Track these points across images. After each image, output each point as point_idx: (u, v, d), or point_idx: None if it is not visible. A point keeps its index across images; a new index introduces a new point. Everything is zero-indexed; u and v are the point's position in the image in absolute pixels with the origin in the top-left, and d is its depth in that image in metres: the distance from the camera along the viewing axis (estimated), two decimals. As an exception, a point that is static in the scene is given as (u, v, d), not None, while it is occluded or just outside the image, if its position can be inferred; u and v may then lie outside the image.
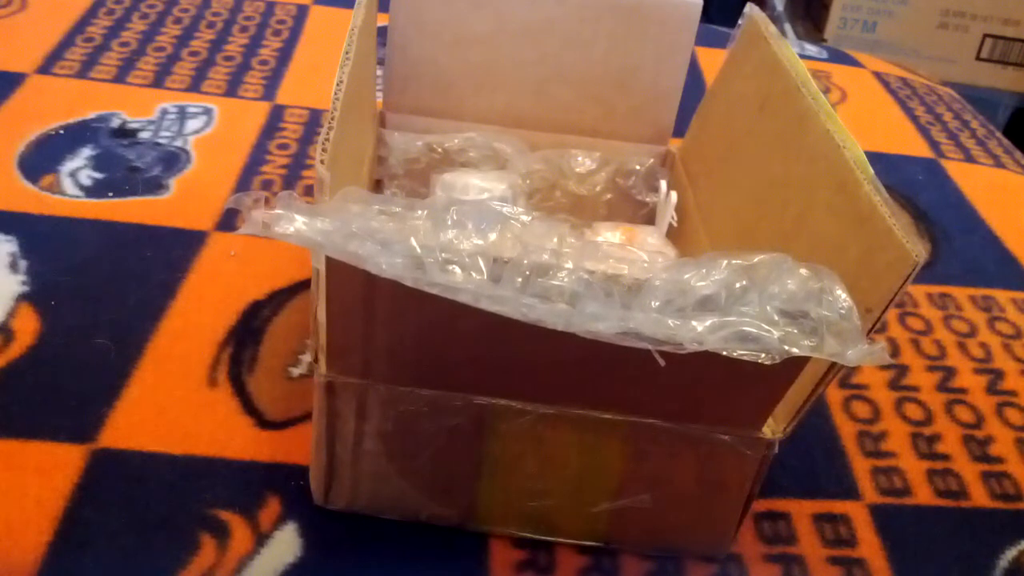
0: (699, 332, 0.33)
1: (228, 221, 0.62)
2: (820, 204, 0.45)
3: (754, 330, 0.33)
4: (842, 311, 0.34)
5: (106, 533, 0.43)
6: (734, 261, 0.35)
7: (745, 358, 0.33)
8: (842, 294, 0.34)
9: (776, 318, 0.34)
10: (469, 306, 0.33)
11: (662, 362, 0.33)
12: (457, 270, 0.33)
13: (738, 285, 0.34)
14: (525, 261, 0.33)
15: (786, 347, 0.33)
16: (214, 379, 0.51)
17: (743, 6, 0.59)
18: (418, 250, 0.33)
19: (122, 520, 0.43)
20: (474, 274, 0.33)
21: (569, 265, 0.34)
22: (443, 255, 0.33)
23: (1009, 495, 0.52)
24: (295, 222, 0.33)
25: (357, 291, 0.37)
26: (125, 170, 0.65)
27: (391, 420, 0.41)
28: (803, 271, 0.35)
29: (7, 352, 0.50)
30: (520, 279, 0.33)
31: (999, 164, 0.85)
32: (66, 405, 0.48)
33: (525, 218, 0.36)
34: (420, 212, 0.34)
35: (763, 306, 0.34)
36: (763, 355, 0.33)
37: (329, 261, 0.35)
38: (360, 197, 0.35)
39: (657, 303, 0.33)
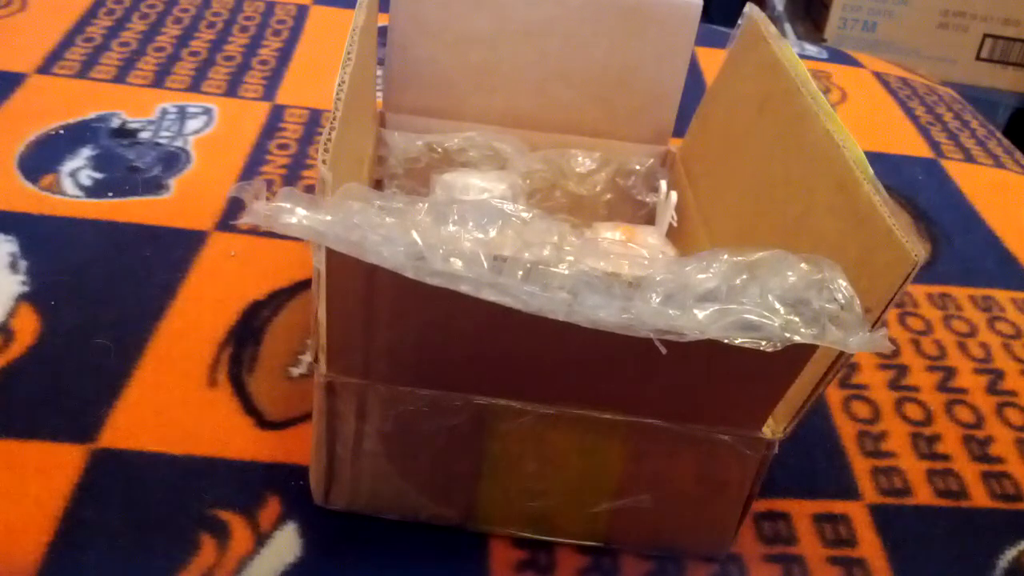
0: (700, 321, 0.33)
1: (228, 221, 0.62)
2: (820, 204, 0.45)
3: (755, 318, 0.33)
4: (843, 300, 0.34)
5: (106, 533, 0.43)
6: (735, 257, 0.35)
7: (747, 346, 0.33)
8: (843, 283, 0.35)
9: (778, 306, 0.34)
10: (469, 305, 0.33)
11: (663, 350, 0.33)
12: (458, 263, 0.33)
13: (739, 280, 0.34)
14: (526, 255, 0.33)
15: (787, 335, 0.33)
16: (214, 379, 0.51)
17: (743, 6, 0.59)
18: (419, 243, 0.33)
19: (122, 520, 0.43)
20: (475, 266, 0.33)
21: (570, 259, 0.34)
22: (444, 249, 0.33)
23: (1009, 495, 0.52)
24: (297, 214, 0.33)
25: (358, 291, 0.37)
26: (125, 170, 0.65)
27: (391, 420, 0.41)
28: (804, 265, 0.35)
29: (7, 352, 0.50)
30: (521, 272, 0.33)
31: (999, 164, 0.85)
32: (66, 405, 0.48)
33: (526, 215, 0.36)
34: (421, 206, 0.35)
35: (764, 296, 0.34)
36: (764, 343, 0.33)
37: (330, 259, 0.35)
38: (361, 194, 0.35)
39: (658, 298, 0.33)
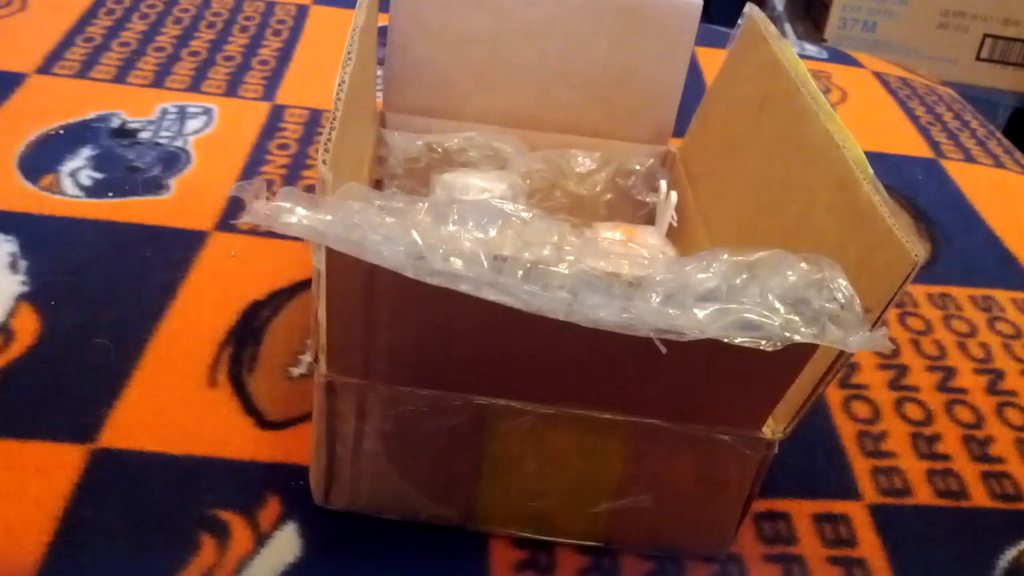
0: (700, 320, 0.33)
1: (228, 221, 0.62)
2: (820, 204, 0.45)
3: (755, 317, 0.33)
4: (843, 300, 0.34)
5: (106, 533, 0.43)
6: (735, 257, 0.35)
7: (747, 345, 0.33)
8: (843, 283, 0.35)
9: (778, 306, 0.34)
10: (469, 304, 0.33)
11: (664, 349, 0.33)
12: (458, 262, 0.33)
13: (739, 280, 0.34)
14: (526, 255, 0.33)
15: (787, 334, 0.33)
16: (214, 379, 0.51)
17: (743, 6, 0.59)
18: (419, 243, 0.33)
19: (122, 520, 0.43)
20: (475, 266, 0.33)
21: (570, 259, 0.34)
22: (444, 249, 0.33)
23: (1009, 495, 0.52)
24: (297, 213, 0.33)
25: (358, 290, 0.37)
26: (125, 170, 0.65)
27: (391, 420, 0.41)
28: (804, 264, 0.35)
29: (7, 352, 0.50)
30: (521, 272, 0.33)
31: (999, 164, 0.85)
32: (66, 405, 0.48)
33: (526, 215, 0.36)
34: (421, 206, 0.35)
35: (764, 296, 0.34)
36: (764, 342, 0.33)
37: (330, 259, 0.35)
38: (361, 194, 0.35)
39: (658, 297, 0.33)
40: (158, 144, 0.68)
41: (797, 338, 0.34)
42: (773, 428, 0.42)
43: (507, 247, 0.34)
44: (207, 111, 0.73)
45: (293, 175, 0.68)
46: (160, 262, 0.58)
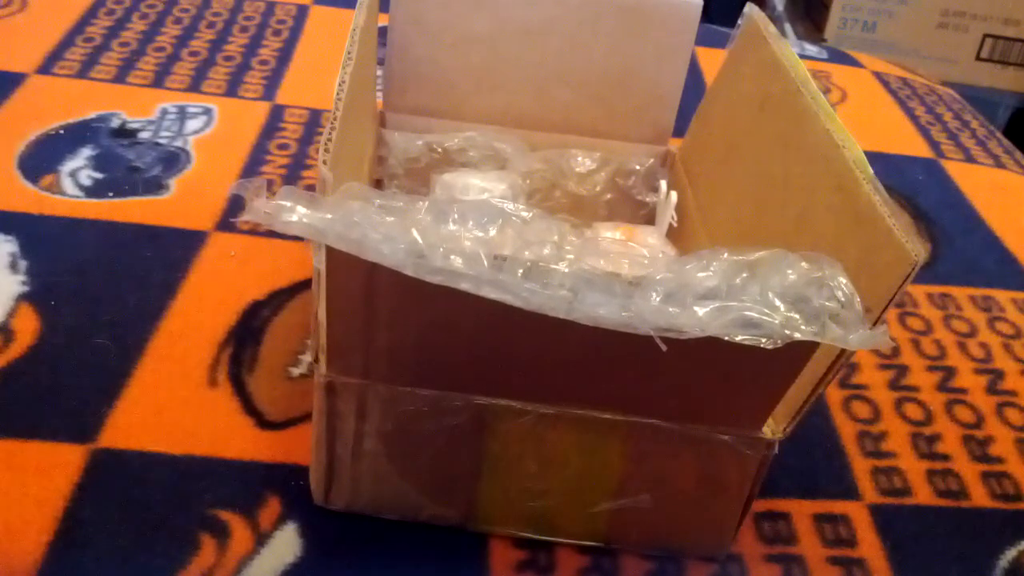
0: (701, 318, 0.33)
1: (228, 221, 0.62)
2: (820, 204, 0.45)
3: (756, 315, 0.33)
4: (843, 298, 0.34)
5: (106, 533, 0.43)
6: (735, 256, 0.35)
7: (747, 343, 0.33)
8: (844, 281, 0.35)
9: (778, 304, 0.34)
10: (470, 303, 0.33)
11: (664, 347, 0.33)
12: (459, 260, 0.33)
13: (739, 279, 0.34)
14: (526, 254, 0.33)
15: (788, 332, 0.33)
16: (214, 379, 0.51)
17: (743, 6, 0.59)
18: (420, 241, 0.33)
19: (122, 520, 0.43)
20: (475, 264, 0.33)
21: (570, 258, 0.34)
22: (444, 248, 0.33)
23: (1009, 495, 0.52)
24: (298, 212, 0.33)
25: (358, 290, 0.37)
26: (125, 170, 0.65)
27: (391, 420, 0.41)
28: (804, 263, 0.35)
29: (7, 352, 0.50)
30: (521, 271, 0.33)
31: (999, 164, 0.85)
32: (66, 405, 0.48)
33: (526, 215, 0.36)
34: (421, 205, 0.35)
35: (765, 294, 0.34)
36: (765, 340, 0.33)
37: (330, 259, 0.35)
38: (361, 193, 0.35)
39: (659, 296, 0.33)
40: (158, 144, 0.68)
41: (797, 336, 0.34)
42: (773, 428, 0.42)
43: (507, 246, 0.34)
44: (207, 111, 0.73)
45: (293, 175, 0.68)
46: (160, 262, 0.58)
